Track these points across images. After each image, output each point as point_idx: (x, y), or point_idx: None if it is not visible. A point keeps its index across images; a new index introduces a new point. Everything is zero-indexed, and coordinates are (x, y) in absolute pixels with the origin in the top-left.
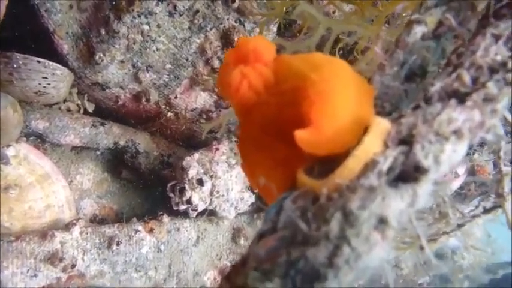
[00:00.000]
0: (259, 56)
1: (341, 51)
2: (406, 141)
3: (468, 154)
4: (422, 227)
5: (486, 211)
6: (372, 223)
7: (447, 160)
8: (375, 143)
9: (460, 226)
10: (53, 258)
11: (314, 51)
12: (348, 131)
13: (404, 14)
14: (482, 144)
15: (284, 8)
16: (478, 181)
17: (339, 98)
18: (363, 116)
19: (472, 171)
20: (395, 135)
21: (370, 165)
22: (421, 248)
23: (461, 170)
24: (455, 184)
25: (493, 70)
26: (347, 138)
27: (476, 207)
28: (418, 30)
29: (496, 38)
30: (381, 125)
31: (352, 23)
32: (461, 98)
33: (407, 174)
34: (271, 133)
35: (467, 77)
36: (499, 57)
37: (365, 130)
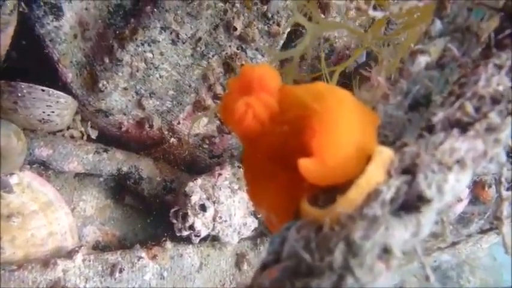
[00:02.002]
0: (264, 85)
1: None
2: (409, 170)
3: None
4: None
5: (482, 232)
6: (376, 253)
7: (450, 190)
8: (378, 172)
9: (454, 244)
10: (55, 287)
11: (297, 60)
12: (351, 160)
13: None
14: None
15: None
16: (481, 209)
17: (342, 127)
18: (366, 145)
19: (475, 197)
20: (398, 164)
21: (373, 195)
22: (427, 278)
23: (464, 194)
24: (459, 208)
25: (495, 100)
26: (350, 168)
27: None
28: (422, 60)
29: (498, 68)
30: (384, 154)
31: (341, 26)
32: (464, 127)
33: (411, 203)
34: (276, 162)
35: (469, 107)
36: (501, 88)
37: (368, 159)
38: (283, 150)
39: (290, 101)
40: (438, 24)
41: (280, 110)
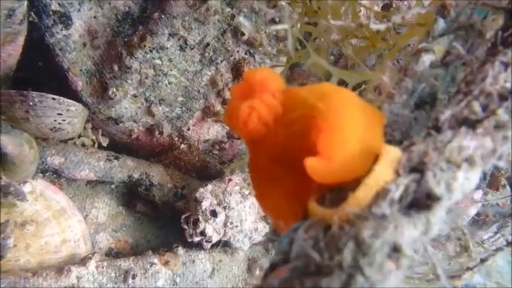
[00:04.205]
0: (266, 86)
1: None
2: (418, 169)
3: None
4: (440, 257)
5: (509, 244)
6: (385, 252)
7: (460, 187)
8: (386, 171)
9: (483, 261)
10: None
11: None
12: (357, 159)
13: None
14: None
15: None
16: (494, 211)
17: (347, 126)
18: (373, 144)
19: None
20: (406, 163)
21: (381, 194)
22: (437, 277)
23: (478, 196)
24: (472, 210)
25: (502, 97)
26: (357, 167)
27: (495, 233)
28: (426, 59)
29: (505, 65)
30: (392, 153)
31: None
32: (472, 125)
33: (420, 202)
34: (282, 163)
35: (477, 105)
36: (508, 85)
37: (376, 158)
38: (289, 151)
39: (295, 102)
40: (441, 23)
41: (284, 111)
